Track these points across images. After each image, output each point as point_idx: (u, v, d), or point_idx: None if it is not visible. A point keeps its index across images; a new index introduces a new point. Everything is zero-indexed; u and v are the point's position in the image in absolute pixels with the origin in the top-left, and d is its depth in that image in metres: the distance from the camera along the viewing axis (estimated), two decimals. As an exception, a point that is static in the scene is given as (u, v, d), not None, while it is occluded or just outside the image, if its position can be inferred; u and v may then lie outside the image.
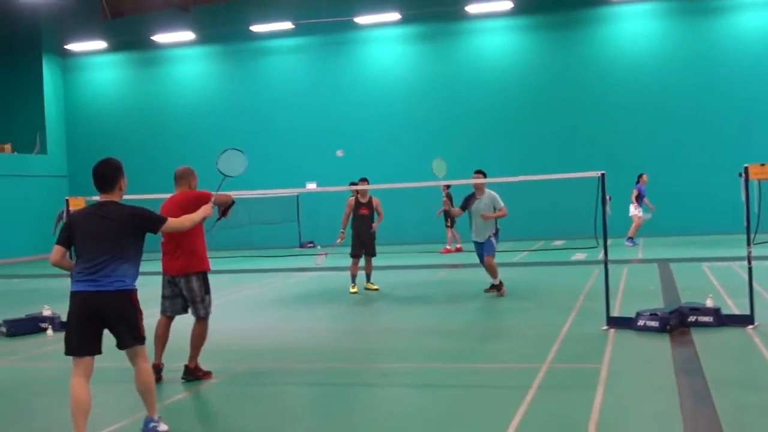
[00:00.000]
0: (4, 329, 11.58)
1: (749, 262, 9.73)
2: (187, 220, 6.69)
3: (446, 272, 18.03)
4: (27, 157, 30.13)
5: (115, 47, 31.09)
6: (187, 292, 8.06)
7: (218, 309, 8.27)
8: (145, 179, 27.88)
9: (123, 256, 6.01)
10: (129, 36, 30.64)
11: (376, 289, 14.85)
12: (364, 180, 15.03)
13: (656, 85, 26.04)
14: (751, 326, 9.62)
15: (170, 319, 8.27)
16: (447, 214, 22.26)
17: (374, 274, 15.20)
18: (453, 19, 27.91)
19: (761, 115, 25.07)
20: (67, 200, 11.51)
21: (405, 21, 28.22)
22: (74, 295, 6.02)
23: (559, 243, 23.35)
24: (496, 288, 13.34)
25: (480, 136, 27.16)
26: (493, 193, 13.13)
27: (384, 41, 28.82)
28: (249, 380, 8.18)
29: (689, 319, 9.86)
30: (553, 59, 27.12)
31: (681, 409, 6.44)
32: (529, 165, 24.28)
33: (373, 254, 14.93)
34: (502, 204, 13.01)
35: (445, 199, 20.75)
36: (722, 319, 9.83)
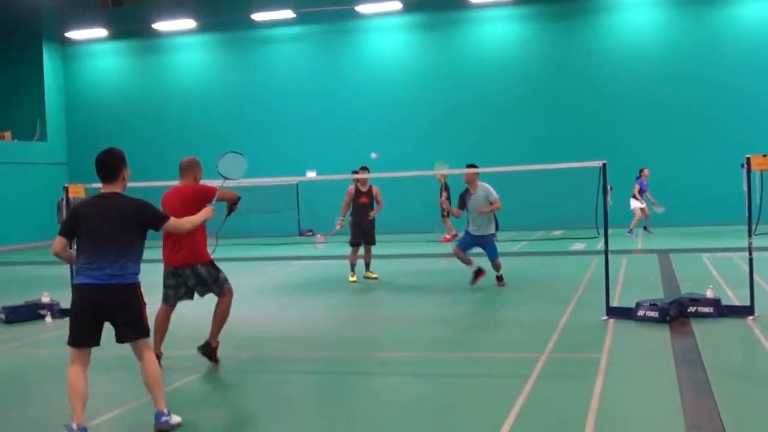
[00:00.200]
0: (2, 316, 11.56)
1: (750, 253, 9.72)
2: (187, 222, 6.62)
3: (446, 261, 17.96)
4: (27, 144, 30.08)
5: (116, 35, 31.00)
6: (196, 278, 8.00)
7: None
8: (145, 167, 27.84)
9: (125, 250, 5.98)
10: (129, 24, 30.55)
11: (376, 278, 14.84)
12: (364, 169, 15.01)
13: (658, 75, 25.97)
14: (751, 317, 9.61)
15: (172, 308, 8.23)
16: (445, 206, 22.26)
17: (374, 262, 15.20)
18: (454, 8, 27.83)
19: (763, 106, 25.01)
20: (66, 188, 11.50)
21: (406, 10, 28.12)
22: (76, 288, 6.03)
23: (558, 233, 23.35)
24: (498, 279, 13.33)
25: (481, 126, 27.11)
26: (486, 185, 13.00)
27: (385, 30, 28.73)
28: (250, 368, 8.17)
29: (689, 310, 9.85)
30: (555, 49, 27.05)
31: (681, 399, 6.44)
32: (529, 155, 24.18)
33: (373, 243, 14.92)
34: (495, 196, 12.90)
35: (443, 197, 20.79)
36: (722, 310, 9.83)
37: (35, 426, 6.22)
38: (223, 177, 7.79)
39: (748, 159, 9.52)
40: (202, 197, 7.79)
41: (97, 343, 6.05)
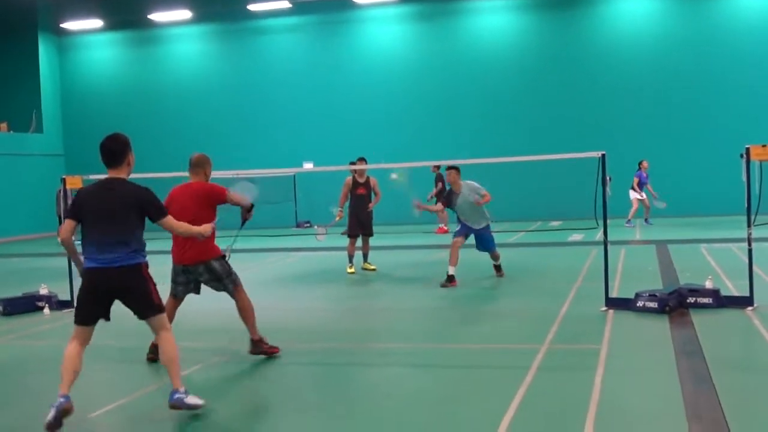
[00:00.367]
0: (0, 308, 11.53)
1: (749, 244, 9.69)
2: (183, 226, 6.60)
3: (444, 253, 17.91)
4: (23, 135, 30.00)
5: (112, 26, 30.91)
6: (210, 274, 7.90)
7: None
8: (142, 158, 27.68)
9: (128, 233, 6.11)
10: (125, 15, 30.44)
11: (374, 269, 14.82)
12: (362, 160, 14.96)
13: (656, 66, 25.96)
14: (750, 308, 9.60)
15: (180, 301, 8.17)
16: (438, 196, 22.31)
17: (372, 254, 15.18)
18: (452, -1, 27.81)
19: (762, 96, 25.01)
20: (63, 179, 11.46)
21: (403, 0, 28.06)
22: (86, 272, 6.17)
23: (556, 224, 23.34)
24: (497, 268, 13.31)
25: (479, 117, 27.09)
26: (470, 183, 12.88)
27: (382, 21, 28.66)
28: (248, 359, 8.13)
29: (688, 301, 9.85)
30: (552, 39, 27.01)
31: (681, 390, 6.42)
32: (527, 146, 24.19)
33: (371, 234, 14.89)
34: (483, 191, 12.84)
35: (436, 189, 20.75)
36: (721, 301, 9.81)
37: (32, 419, 6.18)
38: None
39: (748, 149, 9.50)
40: (212, 197, 7.80)
41: (105, 317, 6.24)
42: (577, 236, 19.32)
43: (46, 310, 11.45)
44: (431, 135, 27.09)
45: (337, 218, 14.88)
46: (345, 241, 14.99)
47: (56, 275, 13.81)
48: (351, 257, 14.77)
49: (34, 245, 25.01)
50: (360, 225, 14.69)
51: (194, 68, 30.52)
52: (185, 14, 29.69)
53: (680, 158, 25.28)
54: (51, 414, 5.87)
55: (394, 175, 21.12)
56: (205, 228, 6.80)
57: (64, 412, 5.91)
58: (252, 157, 27.46)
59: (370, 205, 14.74)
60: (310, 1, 28.50)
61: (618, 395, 6.43)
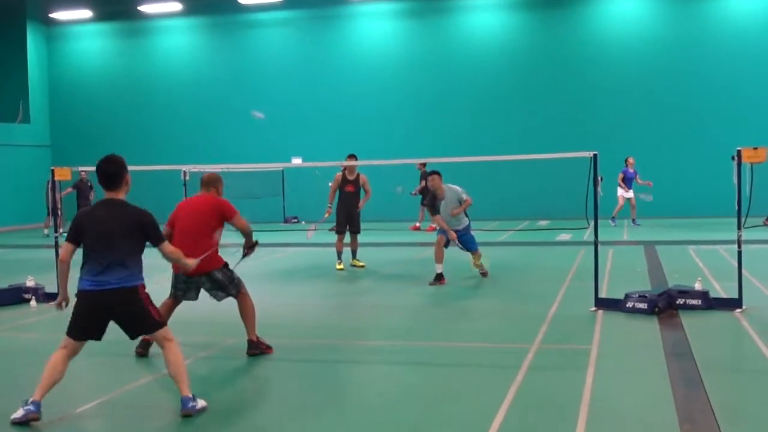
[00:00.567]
0: (-15, 299, 11.45)
1: (739, 246, 9.71)
2: (176, 254, 6.57)
3: (433, 251, 17.94)
4: (10, 126, 29.75)
5: (101, 17, 30.71)
6: (212, 283, 7.96)
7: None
8: (129, 150, 27.60)
9: (128, 256, 6.14)
10: (115, 5, 30.25)
11: (363, 266, 14.78)
12: (352, 156, 14.90)
13: (647, 66, 26.02)
14: (738, 310, 9.62)
15: (177, 303, 8.18)
16: (423, 192, 22.36)
17: (361, 251, 15.14)
18: (444, -4, 27.79)
19: (752, 98, 25.11)
20: (52, 170, 11.39)
21: (395, -3, 28.08)
22: (82, 294, 6.10)
23: (543, 223, 23.36)
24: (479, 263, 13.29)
25: (470, 115, 27.07)
26: (453, 187, 12.82)
27: (374, 16, 28.59)
28: (236, 354, 8.09)
29: (678, 302, 9.87)
30: (544, 38, 27.02)
31: (672, 391, 6.43)
32: (517, 144, 24.22)
33: (358, 231, 14.84)
34: (465, 196, 12.81)
35: (420, 186, 20.76)
36: (710, 302, 9.84)
37: (9, 412, 6.12)
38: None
39: (739, 152, 9.52)
40: (222, 211, 7.96)
41: (98, 337, 6.26)
42: (565, 236, 19.35)
43: (33, 303, 11.35)
44: (422, 132, 27.07)
45: (326, 215, 14.85)
46: (333, 237, 14.94)
47: (43, 267, 13.72)
48: (340, 254, 14.72)
49: (19, 236, 24.84)
50: (347, 221, 14.65)
51: (184, 61, 30.36)
52: (176, 6, 29.54)
53: (669, 159, 25.34)
54: (20, 414, 5.94)
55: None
56: (192, 262, 6.84)
57: (31, 420, 5.94)
58: (241, 151, 27.36)
59: (360, 204, 14.68)
60: (302, -4, 28.44)
61: (609, 396, 6.43)
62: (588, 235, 17.20)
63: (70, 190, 23.13)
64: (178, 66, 30.33)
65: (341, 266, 14.62)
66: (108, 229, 6.08)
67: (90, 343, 7.42)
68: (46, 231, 23.49)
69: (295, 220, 26.77)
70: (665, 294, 9.93)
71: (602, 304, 10.03)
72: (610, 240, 17.83)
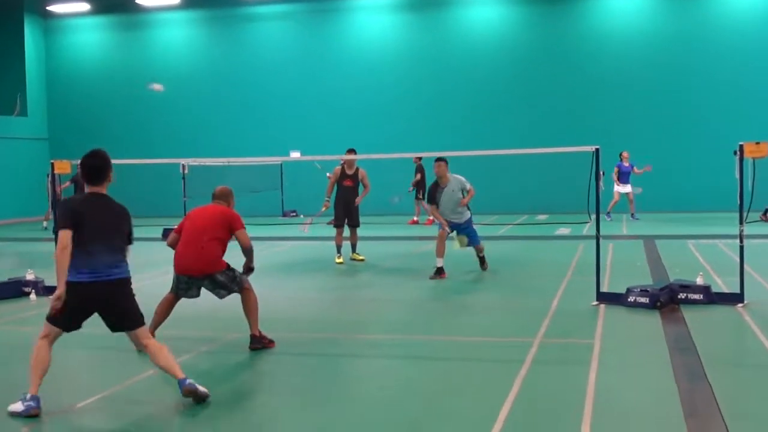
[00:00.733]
0: (-15, 293, 11.41)
1: (741, 241, 9.70)
2: (128, 254, 6.50)
3: (433, 245, 17.91)
4: (7, 119, 29.67)
5: (99, 9, 30.60)
6: (214, 284, 8.01)
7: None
8: (127, 143, 27.61)
9: (119, 247, 6.23)
10: (113, -2, 30.19)
11: (362, 260, 14.76)
12: (351, 151, 14.82)
13: (648, 60, 25.99)
14: (740, 304, 9.61)
15: (177, 299, 8.17)
16: (419, 187, 22.45)
17: (360, 244, 15.10)
18: (443, -10, 27.72)
19: (753, 93, 25.09)
20: (52, 164, 11.36)
21: (394, -10, 28.00)
22: (74, 286, 6.01)
23: (542, 217, 23.37)
24: (481, 260, 13.25)
25: (470, 109, 27.03)
26: (458, 176, 12.74)
27: (373, 10, 28.53)
28: (238, 349, 8.07)
29: (679, 296, 9.85)
30: (544, 32, 26.97)
31: (677, 386, 6.41)
32: (517, 138, 24.26)
33: (357, 225, 14.82)
34: (469, 186, 12.76)
35: (416, 179, 20.82)
36: (712, 297, 9.83)
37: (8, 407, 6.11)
38: None
39: (741, 146, 9.50)
40: (231, 222, 8.04)
41: (78, 329, 6.31)
42: (564, 230, 19.35)
43: (33, 296, 11.31)
44: (421, 126, 27.03)
45: (323, 209, 14.82)
46: (332, 231, 14.91)
47: (42, 260, 13.68)
48: (339, 247, 14.70)
49: (18, 229, 24.78)
50: (346, 215, 14.62)
51: (182, 54, 30.27)
52: (173, -1, 29.47)
53: (668, 154, 25.27)
54: (20, 409, 5.95)
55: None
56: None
57: (32, 415, 5.94)
58: (239, 144, 27.32)
59: (358, 199, 14.64)
60: (300, -11, 28.35)
61: (614, 390, 6.41)
62: (588, 229, 17.28)
63: (68, 184, 23.06)
64: (176, 59, 30.24)
65: (340, 260, 14.60)
66: (103, 222, 6.13)
67: (91, 337, 7.41)
68: (45, 224, 23.45)
69: (294, 214, 26.75)
70: (667, 288, 9.92)
71: (604, 298, 10.01)
72: (609, 234, 17.78)
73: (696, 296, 9.81)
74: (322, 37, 28.84)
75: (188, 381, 6.20)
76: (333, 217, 14.88)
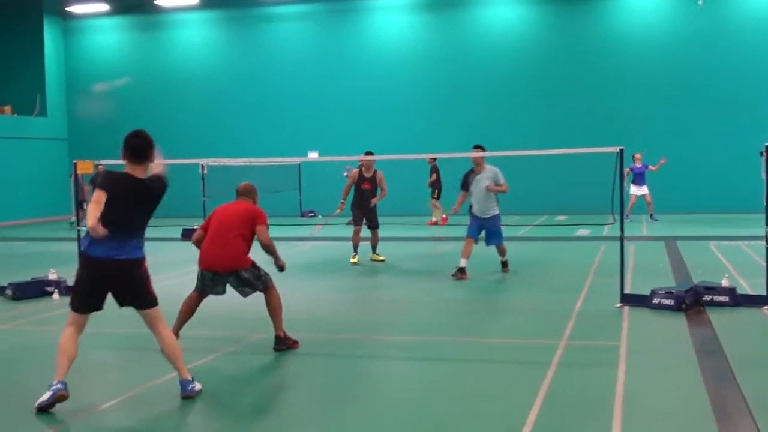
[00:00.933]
0: (9, 292, 11.44)
1: (767, 242, 9.61)
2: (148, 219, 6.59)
3: (452, 245, 17.88)
4: (27, 119, 29.83)
5: (118, 10, 30.71)
6: (239, 281, 7.99)
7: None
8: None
9: (142, 228, 6.31)
10: (132, -1, 30.30)
11: (383, 260, 14.71)
12: (368, 153, 14.74)
13: (668, 60, 25.75)
14: (766, 307, 9.52)
15: (203, 297, 8.16)
16: (433, 185, 22.44)
17: (379, 245, 14.99)
18: (462, -11, 27.66)
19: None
20: (75, 163, 11.38)
21: (412, -10, 27.97)
22: (90, 259, 6.17)
23: (562, 218, 23.28)
24: (503, 264, 13.21)
25: (489, 109, 26.90)
26: (494, 168, 12.76)
27: (391, 10, 28.49)
28: (263, 350, 8.03)
29: (704, 298, 9.78)
30: (563, 31, 26.83)
31: (706, 388, 6.35)
32: (535, 138, 24.19)
33: (377, 226, 14.73)
34: (503, 180, 12.73)
35: (432, 179, 20.73)
36: (738, 299, 9.74)
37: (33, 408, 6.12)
38: None
39: (767, 147, 9.43)
40: (254, 217, 8.01)
41: (99, 309, 6.36)
42: (584, 231, 19.27)
43: (56, 296, 11.36)
44: (439, 127, 26.95)
45: (338, 210, 14.77)
46: (351, 231, 14.84)
47: (63, 260, 13.72)
48: (356, 247, 14.60)
49: (38, 229, 24.92)
50: (364, 217, 14.55)
51: (200, 55, 30.33)
52: (192, 0, 29.51)
53: (690, 154, 25.04)
54: (47, 396, 6.00)
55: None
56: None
57: (60, 398, 6.02)
58: (257, 145, 27.34)
59: (374, 200, 14.55)
60: (318, -10, 28.36)
61: (642, 392, 6.35)
62: (608, 230, 17.19)
63: (88, 187, 23.12)
64: (195, 60, 30.31)
65: (356, 259, 14.49)
66: (133, 201, 6.20)
67: (116, 337, 7.40)
68: (73, 221, 23.49)
69: (312, 214, 26.76)
70: (692, 290, 9.85)
71: (628, 300, 9.94)
72: (630, 236, 17.61)
73: (721, 298, 9.73)
74: (340, 37, 28.83)
75: (190, 387, 6.33)
76: (351, 218, 14.82)
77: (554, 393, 6.33)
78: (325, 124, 28.30)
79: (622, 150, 9.90)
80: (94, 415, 6.16)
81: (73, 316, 6.28)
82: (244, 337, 8.69)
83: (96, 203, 6.04)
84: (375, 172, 14.63)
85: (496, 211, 12.80)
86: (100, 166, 23.32)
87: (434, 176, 22.74)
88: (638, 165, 22.15)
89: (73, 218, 23.61)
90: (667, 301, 9.56)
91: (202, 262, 8.02)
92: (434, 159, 22.37)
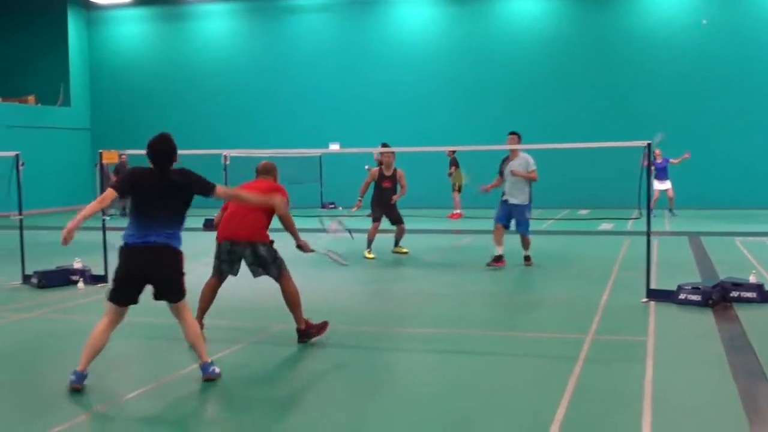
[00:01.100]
0: (35, 280, 11.50)
1: (796, 238, 9.52)
2: (247, 194, 7.12)
3: (471, 238, 17.84)
4: (50, 108, 30.00)
5: (141, 1, 30.80)
6: (254, 258, 7.86)
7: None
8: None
9: (169, 218, 6.41)
10: (155, -10, 30.39)
11: (406, 253, 14.65)
12: (384, 145, 14.56)
13: (692, 53, 25.56)
14: (795, 304, 9.43)
15: (221, 280, 8.11)
16: (455, 179, 22.36)
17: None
18: (484, -19, 27.52)
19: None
20: (100, 153, 11.41)
21: (435, -18, 27.85)
22: (124, 247, 6.39)
23: (584, 212, 23.15)
24: (526, 258, 13.14)
25: (511, 102, 26.78)
26: (527, 155, 12.80)
27: (413, 2, 28.43)
28: (286, 341, 8.01)
29: (731, 294, 9.68)
30: (585, 24, 26.68)
31: (736, 384, 6.28)
32: (558, 131, 23.99)
33: (401, 221, 14.62)
34: (533, 167, 12.73)
35: (451, 171, 20.59)
36: (766, 296, 9.64)
37: (59, 397, 6.13)
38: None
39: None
40: (273, 192, 7.90)
41: (135, 302, 6.51)
42: (607, 225, 19.15)
43: (81, 284, 11.40)
44: (460, 119, 26.88)
45: (354, 208, 14.66)
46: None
47: (88, 249, 13.74)
48: (370, 242, 14.35)
49: (61, 218, 24.96)
50: (384, 214, 14.44)
51: (223, 45, 30.39)
52: (215, -9, 29.56)
53: (714, 149, 24.84)
54: (71, 379, 6.26)
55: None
56: (279, 202, 7.53)
57: (73, 390, 6.22)
58: (278, 136, 27.37)
59: (394, 198, 14.43)
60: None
61: (672, 388, 6.29)
62: (632, 225, 17.07)
63: (113, 177, 23.17)
64: (218, 50, 30.36)
65: (371, 255, 14.23)
66: (164, 194, 6.39)
67: (145, 326, 7.39)
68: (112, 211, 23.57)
69: (333, 206, 26.75)
70: (719, 286, 9.75)
71: (654, 295, 9.85)
72: (654, 230, 17.49)
73: (749, 294, 9.63)
74: (362, 29, 28.78)
75: (211, 369, 6.51)
76: (370, 211, 14.68)
77: (582, 388, 6.28)
78: (347, 116, 28.28)
79: (649, 144, 9.82)
80: (119, 404, 6.17)
81: (110, 307, 6.43)
82: (266, 328, 8.69)
83: (98, 202, 6.40)
84: (395, 170, 14.51)
85: (525, 201, 12.75)
86: (123, 156, 23.60)
87: (453, 168, 22.65)
88: (658, 160, 21.97)
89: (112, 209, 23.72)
90: (694, 297, 9.47)
91: (220, 234, 7.95)
92: (453, 151, 22.23)
